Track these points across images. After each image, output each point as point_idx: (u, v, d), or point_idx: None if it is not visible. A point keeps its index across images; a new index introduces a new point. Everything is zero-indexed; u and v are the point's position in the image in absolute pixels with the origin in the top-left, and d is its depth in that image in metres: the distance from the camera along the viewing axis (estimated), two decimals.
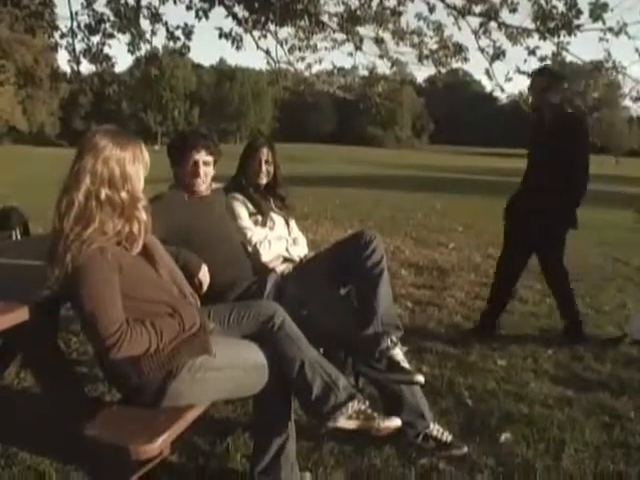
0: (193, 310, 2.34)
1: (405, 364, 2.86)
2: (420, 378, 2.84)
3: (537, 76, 4.78)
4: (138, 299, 2.19)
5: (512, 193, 4.84)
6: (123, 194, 2.17)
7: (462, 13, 7.66)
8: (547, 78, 4.59)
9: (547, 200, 4.39)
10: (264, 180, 3.47)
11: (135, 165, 2.21)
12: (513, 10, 7.22)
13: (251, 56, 14.79)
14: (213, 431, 3.03)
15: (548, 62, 7.47)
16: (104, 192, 2.13)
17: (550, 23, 6.91)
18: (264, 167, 3.45)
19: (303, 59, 9.19)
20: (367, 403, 2.44)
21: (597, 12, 6.41)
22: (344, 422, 2.35)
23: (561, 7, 6.81)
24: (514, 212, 4.72)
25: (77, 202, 2.09)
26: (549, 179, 4.46)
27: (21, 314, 2.28)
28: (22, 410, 3.29)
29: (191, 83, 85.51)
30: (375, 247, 2.97)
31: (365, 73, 9.97)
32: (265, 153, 3.45)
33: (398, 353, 2.85)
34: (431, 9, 7.93)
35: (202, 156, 3.03)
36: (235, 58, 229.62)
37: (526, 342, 4.54)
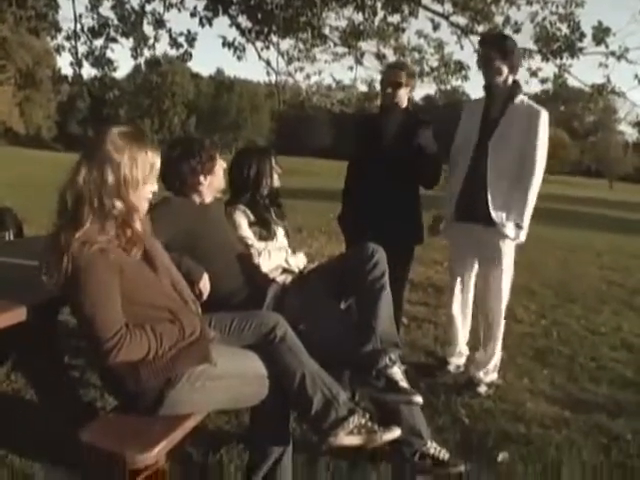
0: (194, 317, 2.28)
1: (404, 383, 2.77)
2: (418, 399, 2.76)
3: (392, 69, 4.03)
4: (138, 303, 2.13)
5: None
6: (117, 203, 2.06)
7: (465, 32, 7.71)
8: (404, 73, 3.88)
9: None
10: (276, 183, 3.47)
11: (133, 170, 2.07)
12: (516, 31, 7.27)
13: (249, 67, 14.84)
14: (206, 442, 2.97)
15: (549, 84, 7.52)
16: (96, 199, 2.03)
17: (553, 45, 6.96)
18: (274, 172, 3.46)
19: (302, 69, 9.26)
20: (367, 416, 2.41)
21: (600, 36, 6.49)
22: (347, 439, 2.32)
23: (564, 30, 6.88)
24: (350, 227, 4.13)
25: (70, 203, 2.03)
26: (392, 186, 3.84)
27: (18, 314, 2.24)
28: (12, 413, 3.23)
29: (189, 92, 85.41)
30: (377, 261, 2.89)
31: (364, 89, 10.00)
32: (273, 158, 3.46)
33: (397, 372, 2.77)
34: (435, 27, 8.01)
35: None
36: (233, 69, 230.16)
37: (522, 362, 4.50)
